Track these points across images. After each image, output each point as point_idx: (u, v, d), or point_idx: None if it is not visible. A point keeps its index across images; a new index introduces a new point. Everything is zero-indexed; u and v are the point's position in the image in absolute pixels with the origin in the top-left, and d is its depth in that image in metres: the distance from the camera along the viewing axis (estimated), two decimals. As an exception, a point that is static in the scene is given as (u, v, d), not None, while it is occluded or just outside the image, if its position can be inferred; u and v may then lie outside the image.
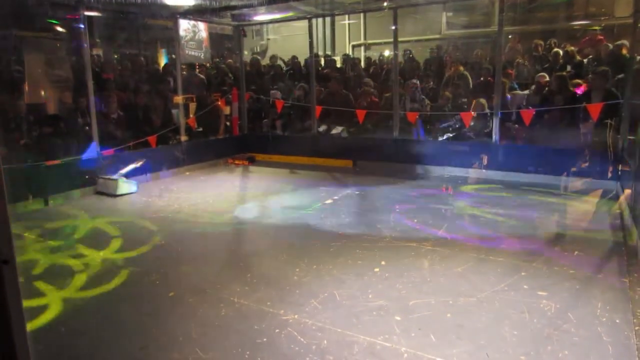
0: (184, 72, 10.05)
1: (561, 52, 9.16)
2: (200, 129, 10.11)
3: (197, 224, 6.01)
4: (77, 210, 6.74)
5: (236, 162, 10.04)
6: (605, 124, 7.14)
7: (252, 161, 10.17)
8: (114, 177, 7.61)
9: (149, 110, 9.33)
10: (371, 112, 9.29)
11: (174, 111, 9.66)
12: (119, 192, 7.42)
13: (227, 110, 10.74)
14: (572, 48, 9.34)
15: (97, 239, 5.51)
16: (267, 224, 5.98)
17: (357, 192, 7.39)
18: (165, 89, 9.98)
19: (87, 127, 8.04)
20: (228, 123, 10.70)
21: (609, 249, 4.84)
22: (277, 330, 3.39)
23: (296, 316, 3.58)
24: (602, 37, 9.57)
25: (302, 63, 11.89)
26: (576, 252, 4.74)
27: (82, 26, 7.65)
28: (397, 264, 4.53)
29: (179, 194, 7.59)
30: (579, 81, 8.13)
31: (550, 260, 4.54)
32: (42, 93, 9.08)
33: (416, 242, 5.11)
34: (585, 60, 8.93)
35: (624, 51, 8.11)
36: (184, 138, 9.36)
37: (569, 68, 8.85)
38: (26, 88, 8.82)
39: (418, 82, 9.46)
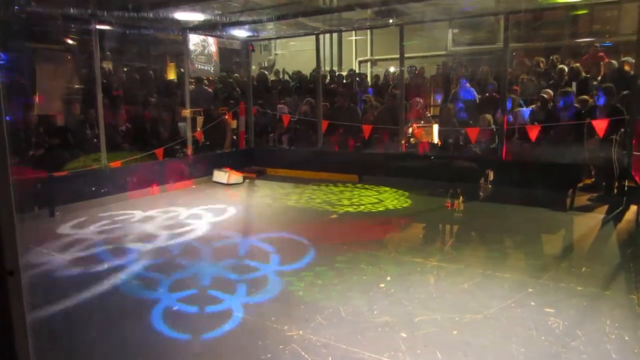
0: (192, 86, 10.14)
1: (566, 69, 9.18)
2: (208, 143, 10.17)
3: (199, 236, 6.01)
4: (82, 220, 6.78)
5: (244, 174, 10.08)
6: (610, 140, 7.12)
7: (260, 174, 10.21)
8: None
9: (156, 123, 9.41)
10: (377, 127, 9.33)
11: (181, 124, 9.74)
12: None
13: (234, 124, 10.82)
14: (577, 65, 9.37)
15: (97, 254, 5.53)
16: (270, 237, 5.96)
17: (361, 207, 7.36)
18: (173, 102, 10.08)
19: (95, 139, 8.12)
20: (235, 137, 10.76)
21: (616, 266, 4.78)
22: (281, 346, 3.36)
23: (301, 332, 3.56)
24: (602, 54, 9.59)
25: (309, 76, 12.01)
26: (583, 269, 4.69)
27: (93, 39, 7.77)
28: (402, 280, 4.49)
29: (184, 207, 7.61)
30: (586, 97, 8.13)
31: (558, 277, 4.49)
32: (52, 105, 9.19)
33: (422, 257, 5.08)
34: (590, 77, 8.95)
35: (627, 68, 8.13)
36: (190, 151, 9.41)
37: (574, 85, 8.86)
38: (36, 100, 8.94)
39: (421, 100, 9.51)
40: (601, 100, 7.68)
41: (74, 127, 8.42)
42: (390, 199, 7.83)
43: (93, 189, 7.69)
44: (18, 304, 1.23)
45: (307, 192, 8.57)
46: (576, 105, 7.96)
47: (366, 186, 8.76)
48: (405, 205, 7.45)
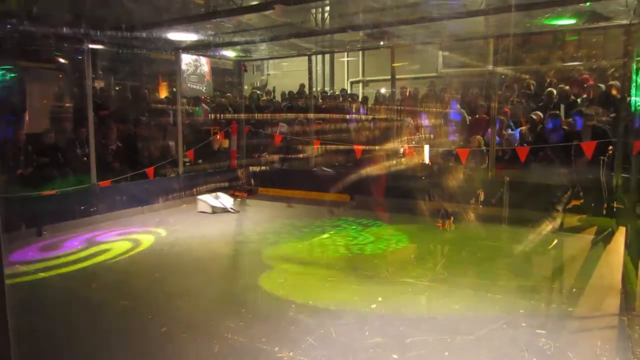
0: (184, 105, 10.17)
1: (555, 92, 9.32)
2: (200, 161, 10.16)
3: (192, 257, 5.95)
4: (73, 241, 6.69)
5: (236, 193, 10.06)
6: (599, 162, 7.20)
7: (252, 194, 10.18)
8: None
9: (147, 142, 9.39)
10: (369, 147, 9.38)
11: (172, 143, 9.72)
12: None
13: (226, 143, 10.83)
14: (566, 87, 9.52)
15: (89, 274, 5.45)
16: (262, 258, 5.92)
17: (353, 227, 7.35)
18: (165, 121, 10.09)
19: (85, 158, 8.07)
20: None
21: (606, 287, 4.79)
22: (271, 367, 3.32)
23: (291, 353, 3.51)
24: (587, 77, 9.77)
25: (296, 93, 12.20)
26: (574, 290, 4.69)
27: (85, 59, 7.78)
28: (394, 300, 4.47)
29: (176, 226, 7.55)
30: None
31: (549, 298, 4.50)
32: (42, 123, 9.14)
33: (413, 277, 5.06)
34: (578, 100, 9.09)
35: (614, 91, 8.28)
36: (181, 170, 9.39)
37: (562, 107, 8.98)
38: (27, 118, 8.89)
39: (412, 120, 9.61)
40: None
41: (64, 146, 8.36)
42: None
43: (82, 207, 7.62)
44: (1, 319, 1.21)
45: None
46: (564, 127, 8.06)
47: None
48: (396, 226, 7.45)
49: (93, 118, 7.93)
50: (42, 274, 5.33)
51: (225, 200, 8.72)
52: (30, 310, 4.37)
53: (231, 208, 8.55)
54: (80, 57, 7.98)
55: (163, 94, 13.29)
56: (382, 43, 9.20)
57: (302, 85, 12.74)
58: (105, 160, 8.41)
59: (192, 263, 5.71)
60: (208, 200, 8.58)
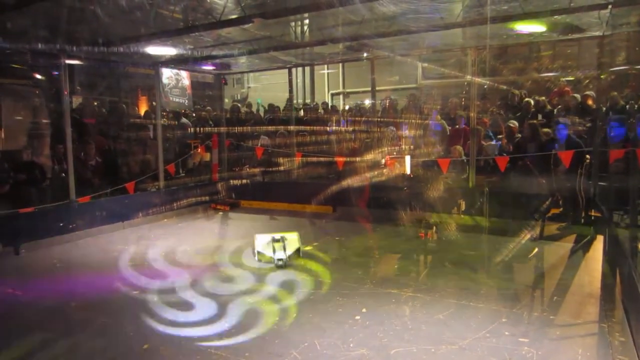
0: (164, 120, 10.10)
1: (532, 102, 9.49)
2: (183, 174, 10.07)
3: (173, 271, 5.87)
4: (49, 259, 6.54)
5: (218, 206, 9.99)
6: (577, 171, 7.32)
7: (234, 207, 10.11)
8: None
9: (127, 157, 9.29)
10: (351, 158, 9.42)
11: (152, 157, 9.63)
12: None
13: (207, 156, 10.77)
14: (543, 98, 9.70)
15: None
16: (244, 270, 5.87)
17: (336, 238, 7.35)
18: (145, 135, 10.00)
19: (63, 174, 7.93)
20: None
21: (586, 294, 4.86)
22: (255, 384, 3.27)
23: (275, 368, 3.47)
24: (568, 89, 9.98)
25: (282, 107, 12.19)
26: (555, 298, 4.75)
27: (62, 74, 7.69)
28: (378, 311, 4.46)
29: (156, 241, 7.45)
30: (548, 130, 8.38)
31: (530, 306, 4.54)
32: (19, 140, 8.97)
33: (397, 288, 5.06)
34: (555, 110, 9.27)
35: (590, 102, 8.46)
36: (162, 184, 9.30)
37: (540, 117, 9.14)
38: (2, 135, 8.72)
39: (394, 128, 9.69)
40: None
41: (42, 162, 8.21)
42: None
43: (61, 224, 7.47)
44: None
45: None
46: (543, 137, 8.19)
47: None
48: (378, 236, 7.47)
49: (72, 134, 7.82)
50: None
51: (282, 252, 6.11)
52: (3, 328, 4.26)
53: (278, 260, 5.99)
54: (57, 73, 7.87)
55: (143, 108, 13.17)
56: (364, 55, 9.28)
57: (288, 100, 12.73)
58: (84, 176, 8.29)
59: (174, 278, 5.62)
60: (260, 242, 6.34)
